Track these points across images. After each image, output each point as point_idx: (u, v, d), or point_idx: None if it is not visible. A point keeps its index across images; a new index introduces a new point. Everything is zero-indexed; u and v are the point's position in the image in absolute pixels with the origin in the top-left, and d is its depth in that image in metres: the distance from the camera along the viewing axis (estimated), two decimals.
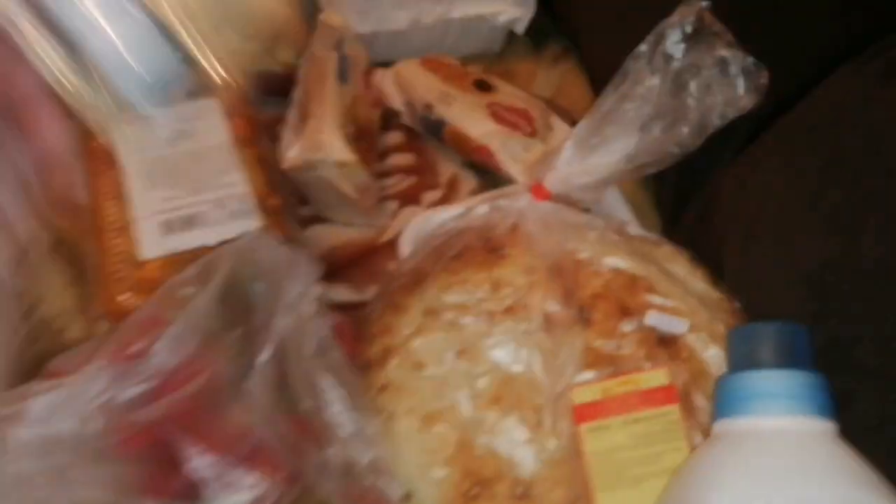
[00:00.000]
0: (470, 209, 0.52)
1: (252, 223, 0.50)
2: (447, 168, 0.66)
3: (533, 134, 0.60)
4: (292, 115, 0.61)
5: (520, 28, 0.69)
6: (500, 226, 0.50)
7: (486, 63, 0.72)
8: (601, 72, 0.61)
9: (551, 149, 0.55)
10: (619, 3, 0.63)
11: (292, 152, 0.57)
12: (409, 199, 0.64)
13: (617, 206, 0.56)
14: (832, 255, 0.41)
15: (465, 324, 0.47)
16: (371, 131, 0.63)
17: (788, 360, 0.36)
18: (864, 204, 0.40)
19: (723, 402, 0.38)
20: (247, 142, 0.56)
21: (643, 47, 0.48)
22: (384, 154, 0.66)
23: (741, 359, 0.38)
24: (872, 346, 0.39)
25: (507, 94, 0.63)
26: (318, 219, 0.62)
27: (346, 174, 0.56)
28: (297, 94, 0.62)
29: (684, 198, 0.53)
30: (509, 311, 0.47)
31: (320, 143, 0.56)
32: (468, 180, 0.65)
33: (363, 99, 0.63)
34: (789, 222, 0.44)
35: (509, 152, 0.59)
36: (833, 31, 0.49)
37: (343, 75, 0.60)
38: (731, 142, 0.51)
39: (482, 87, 0.63)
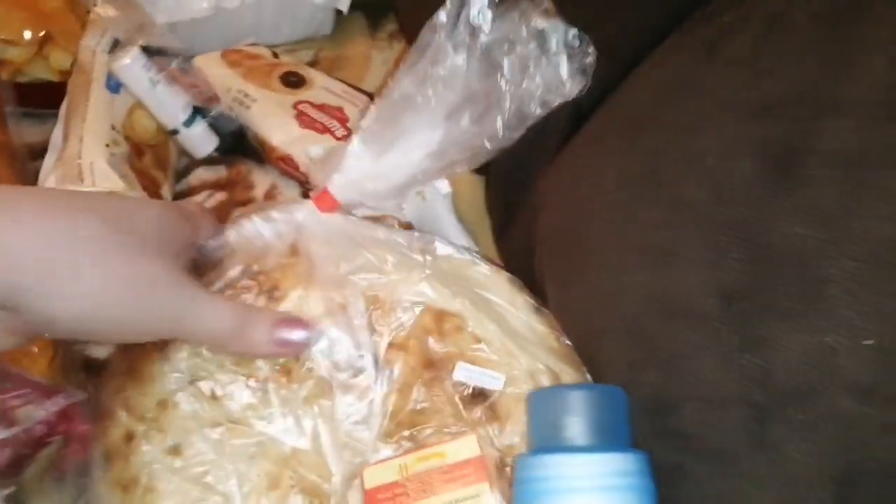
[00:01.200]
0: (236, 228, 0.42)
1: None
2: (264, 178, 0.55)
3: (347, 137, 0.50)
4: (56, 134, 0.51)
5: (344, 5, 0.59)
6: (274, 251, 0.40)
7: (316, 48, 0.62)
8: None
9: (337, 145, 0.45)
10: None
11: (46, 184, 0.46)
12: (218, 220, 0.53)
13: (440, 210, 0.46)
14: (651, 291, 0.32)
15: (231, 392, 0.37)
16: (160, 144, 0.52)
17: (601, 436, 0.29)
18: (684, 226, 0.31)
19: (521, 493, 0.31)
20: None
21: (442, 15, 0.39)
22: (188, 168, 0.56)
23: (544, 433, 0.31)
24: (697, 412, 0.30)
25: (322, 88, 0.53)
26: None
27: None
28: (63, 107, 0.51)
29: (512, 203, 0.44)
30: (286, 372, 0.37)
31: (79, 170, 0.46)
32: (288, 191, 0.55)
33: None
34: (608, 247, 0.34)
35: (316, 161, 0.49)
36: (653, 3, 0.40)
37: (110, 83, 0.49)
38: (550, 135, 0.41)
39: (292, 82, 0.53)
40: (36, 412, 0.33)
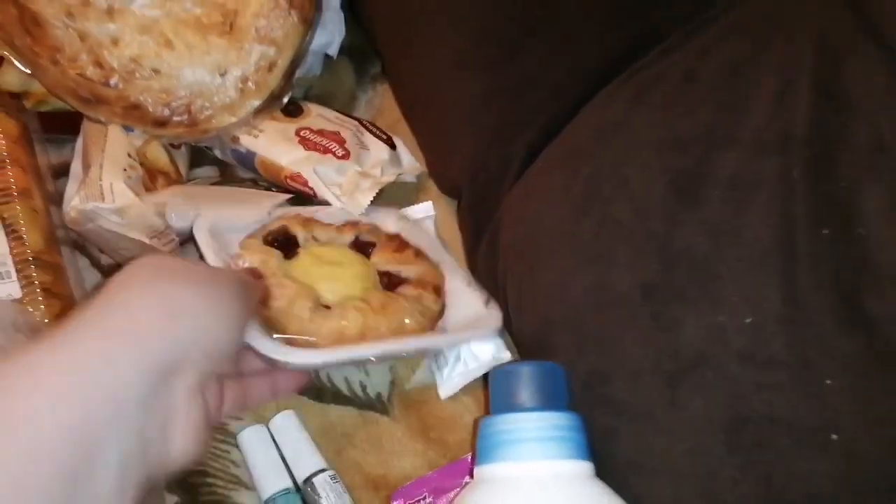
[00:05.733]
0: None
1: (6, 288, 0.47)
2: None
3: (346, 156, 0.58)
4: (75, 166, 0.57)
5: (332, 51, 0.67)
6: None
7: (307, 85, 0.69)
8: (399, 87, 0.59)
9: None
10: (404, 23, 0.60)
11: (72, 204, 0.52)
12: None
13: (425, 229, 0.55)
14: (589, 287, 0.40)
15: None
16: (171, 172, 0.59)
17: (544, 400, 0.36)
18: (614, 237, 0.40)
19: (482, 447, 0.36)
20: (24, 194, 0.51)
21: None
22: None
23: (500, 400, 0.37)
24: (624, 381, 0.38)
25: (318, 115, 0.61)
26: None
27: (133, 219, 0.52)
28: (79, 144, 0.58)
29: (481, 225, 0.51)
30: None
31: (100, 191, 0.52)
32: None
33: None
34: (555, 253, 0.42)
35: (322, 177, 0.57)
36: (596, 53, 0.48)
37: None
38: (510, 169, 0.48)
39: (290, 111, 0.62)
40: None
